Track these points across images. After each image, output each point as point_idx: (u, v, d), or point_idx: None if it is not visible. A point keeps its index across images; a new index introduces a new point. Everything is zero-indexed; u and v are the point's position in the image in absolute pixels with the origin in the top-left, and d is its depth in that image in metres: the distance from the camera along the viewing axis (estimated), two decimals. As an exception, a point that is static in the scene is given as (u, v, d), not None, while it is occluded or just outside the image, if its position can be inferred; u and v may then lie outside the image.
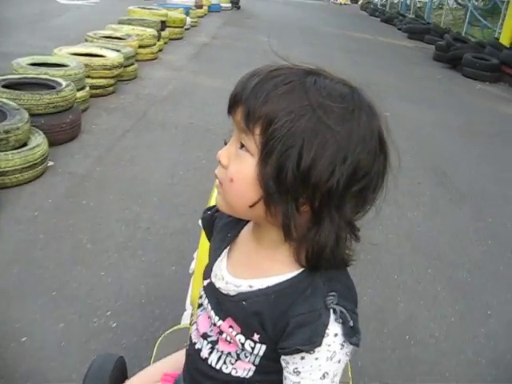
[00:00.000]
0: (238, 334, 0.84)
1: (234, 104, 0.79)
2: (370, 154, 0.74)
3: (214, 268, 0.91)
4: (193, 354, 0.94)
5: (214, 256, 0.93)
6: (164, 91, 6.19)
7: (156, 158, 4.20)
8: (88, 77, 5.35)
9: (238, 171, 0.76)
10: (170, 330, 1.55)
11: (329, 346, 0.75)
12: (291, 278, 0.79)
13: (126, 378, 1.26)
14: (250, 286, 0.82)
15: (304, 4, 28.58)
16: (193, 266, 1.63)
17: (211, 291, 0.91)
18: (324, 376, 0.76)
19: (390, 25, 21.27)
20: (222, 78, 7.21)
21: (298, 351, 0.76)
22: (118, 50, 6.33)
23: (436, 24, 17.69)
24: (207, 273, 0.94)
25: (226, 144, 0.81)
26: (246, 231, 0.90)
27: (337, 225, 0.74)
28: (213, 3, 16.45)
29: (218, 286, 0.88)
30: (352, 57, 11.04)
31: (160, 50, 8.49)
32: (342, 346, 0.76)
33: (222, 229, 0.95)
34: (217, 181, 0.82)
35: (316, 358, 0.75)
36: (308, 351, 0.75)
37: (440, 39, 15.94)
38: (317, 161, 0.70)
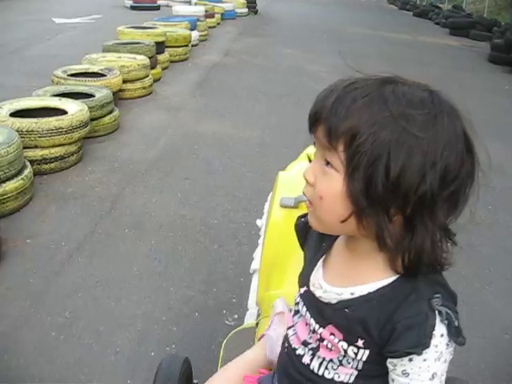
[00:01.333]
0: (340, 340, 0.84)
1: (314, 122, 0.78)
2: (457, 156, 0.73)
3: (312, 278, 0.91)
4: (294, 359, 0.93)
5: (309, 265, 0.94)
6: (151, 152, 4.43)
7: (113, 313, 2.44)
8: (31, 147, 3.66)
9: (326, 188, 0.77)
10: (235, 330, 1.55)
11: (436, 346, 0.75)
12: (391, 283, 0.79)
13: (192, 379, 1.40)
14: (352, 294, 0.82)
15: (322, 0, 26.68)
16: (253, 265, 1.70)
17: (309, 299, 0.91)
18: (433, 376, 0.76)
19: (425, 19, 19.21)
20: (234, 121, 5.46)
21: (408, 354, 0.76)
22: (90, 95, 4.63)
23: (481, 16, 15.54)
24: (303, 281, 0.94)
25: (310, 161, 0.82)
26: (340, 241, 0.90)
27: (431, 230, 0.74)
28: (226, 10, 14.69)
29: (317, 295, 0.88)
30: (392, 66, 9.07)
31: (157, 80, 6.77)
32: (448, 345, 0.76)
33: (318, 238, 0.94)
34: (307, 200, 0.82)
35: (424, 360, 0.75)
36: (418, 354, 0.75)
37: (488, 33, 13.96)
38: (405, 170, 0.70)
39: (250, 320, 1.66)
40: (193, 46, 9.68)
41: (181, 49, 8.25)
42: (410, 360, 0.76)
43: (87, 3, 16.83)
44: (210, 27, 12.15)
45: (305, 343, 0.91)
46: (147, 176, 3.93)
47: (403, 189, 0.71)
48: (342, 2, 27.41)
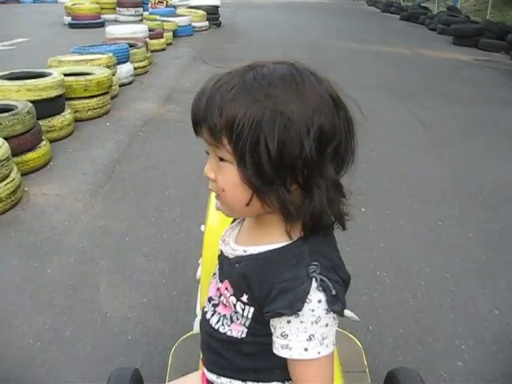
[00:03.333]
0: (231, 295, 0.91)
1: (196, 126, 0.84)
2: (328, 116, 0.78)
3: (224, 234, 0.99)
4: (204, 317, 1.01)
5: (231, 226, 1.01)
6: None
7: None
8: None
9: (225, 181, 0.82)
10: (183, 337, 1.57)
11: (313, 311, 0.79)
12: (280, 247, 0.85)
13: None
14: (244, 251, 0.90)
15: (295, 4, 24.04)
16: (199, 272, 1.65)
17: (220, 257, 0.98)
18: (310, 338, 0.80)
19: (415, 23, 16.68)
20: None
21: (280, 315, 0.81)
22: None
23: (489, 20, 13.00)
24: None
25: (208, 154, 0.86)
26: None
27: (325, 189, 0.79)
28: (181, 25, 11.90)
29: (221, 248, 0.97)
30: (408, 106, 6.47)
31: (42, 167, 3.98)
32: (327, 311, 0.80)
33: None
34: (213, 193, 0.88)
35: (301, 322, 0.80)
36: (289, 315, 0.80)
37: (500, 42, 11.43)
38: (283, 145, 0.76)
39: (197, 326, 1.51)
40: (123, 85, 6.90)
41: (95, 100, 5.45)
42: (288, 322, 0.80)
43: (24, 23, 14.08)
44: (155, 51, 9.38)
45: (210, 299, 0.99)
46: None
47: (287, 161, 0.76)
48: (314, 5, 24.82)
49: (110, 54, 6.51)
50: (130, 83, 7.15)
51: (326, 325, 0.80)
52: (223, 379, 0.96)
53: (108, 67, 6.20)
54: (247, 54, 9.70)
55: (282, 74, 0.79)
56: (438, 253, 3.11)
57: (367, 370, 1.57)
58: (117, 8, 15.52)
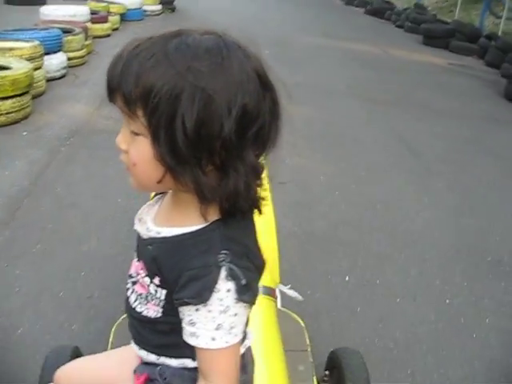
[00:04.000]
0: (145, 276, 0.87)
1: (110, 93, 0.77)
2: (252, 96, 0.73)
3: (142, 212, 0.93)
4: (126, 294, 0.96)
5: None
6: None
7: None
8: None
9: (137, 155, 0.77)
10: (124, 316, 1.48)
11: (221, 300, 0.77)
12: (194, 231, 0.81)
13: None
14: (158, 233, 0.85)
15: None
16: None
17: (137, 234, 0.93)
18: (218, 327, 0.78)
19: (380, 18, 15.96)
20: None
21: (187, 304, 0.78)
22: None
23: (458, 21, 12.36)
24: None
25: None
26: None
27: (243, 173, 0.75)
28: (130, 8, 10.66)
29: (137, 229, 0.91)
30: (388, 121, 5.65)
31: None
32: (238, 300, 0.78)
33: None
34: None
35: (209, 311, 0.78)
36: (195, 304, 0.77)
37: (470, 44, 10.86)
38: (202, 123, 0.70)
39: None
40: (53, 79, 5.75)
41: (9, 102, 4.32)
42: (197, 310, 0.78)
43: None
44: (98, 37, 8.19)
45: (130, 276, 0.94)
46: None
47: (205, 141, 0.71)
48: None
49: (36, 43, 5.31)
50: (62, 77, 5.99)
51: (235, 314, 0.78)
52: (142, 352, 0.96)
53: (32, 59, 5.06)
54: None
55: (208, 46, 0.73)
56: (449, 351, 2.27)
57: (309, 349, 1.60)
58: (61, -16, 14.05)
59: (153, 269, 0.84)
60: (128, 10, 10.51)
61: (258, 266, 0.82)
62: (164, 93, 0.70)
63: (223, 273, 0.76)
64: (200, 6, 14.83)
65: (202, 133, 0.70)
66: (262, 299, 1.31)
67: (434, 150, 4.90)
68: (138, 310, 0.90)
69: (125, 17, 10.26)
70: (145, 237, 0.87)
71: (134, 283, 0.92)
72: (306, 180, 4.01)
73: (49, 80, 5.62)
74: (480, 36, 11.19)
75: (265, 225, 1.60)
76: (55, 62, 5.83)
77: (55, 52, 5.92)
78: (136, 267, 0.91)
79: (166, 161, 0.73)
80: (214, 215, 0.79)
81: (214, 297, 0.76)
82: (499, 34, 10.89)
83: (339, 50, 9.67)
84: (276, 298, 1.61)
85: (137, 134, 0.75)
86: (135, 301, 0.92)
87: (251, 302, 0.80)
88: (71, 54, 6.41)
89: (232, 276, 0.76)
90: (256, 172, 0.78)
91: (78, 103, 5.17)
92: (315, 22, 14.16)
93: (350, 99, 6.23)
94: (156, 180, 0.77)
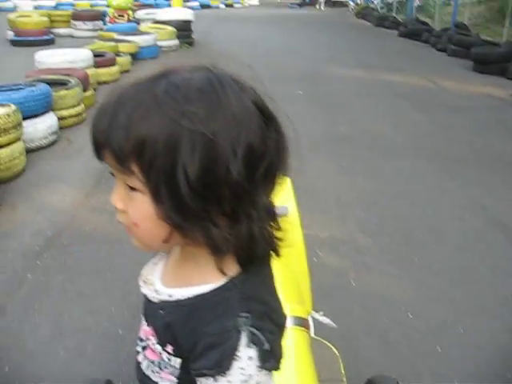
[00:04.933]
0: (156, 343, 0.78)
1: (99, 150, 0.68)
2: (256, 132, 0.66)
3: (143, 271, 0.83)
4: (136, 359, 0.86)
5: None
6: None
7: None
8: None
9: (138, 214, 0.68)
10: None
11: (242, 369, 0.67)
12: (209, 292, 0.71)
13: None
14: (170, 296, 0.75)
15: (279, 16, 22.01)
16: None
17: (144, 297, 0.83)
18: None
19: (416, 41, 14.64)
20: None
21: (204, 375, 0.69)
22: None
23: (511, 42, 10.93)
24: None
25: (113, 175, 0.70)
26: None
27: (257, 217, 0.67)
28: (143, 46, 9.58)
29: (144, 292, 0.80)
30: (468, 192, 4.31)
31: None
32: (261, 368, 0.68)
33: None
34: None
35: (229, 382, 0.68)
36: (214, 375, 0.68)
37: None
38: (206, 171, 0.63)
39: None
40: (40, 148, 4.60)
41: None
42: (216, 381, 0.69)
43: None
44: (105, 83, 7.08)
45: (140, 339, 0.85)
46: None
47: (212, 190, 0.64)
48: (299, 17, 22.79)
49: (12, 108, 4.11)
50: (53, 144, 4.84)
51: (258, 383, 0.68)
52: None
53: (4, 131, 3.89)
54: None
55: (199, 84, 0.65)
56: None
57: (344, 379, 1.56)
58: (72, 21, 13.19)
59: (166, 336, 0.74)
60: (141, 47, 9.43)
61: (281, 325, 0.73)
62: (160, 144, 0.62)
63: (244, 338, 0.66)
64: (220, 37, 13.79)
65: (208, 182, 0.63)
66: (294, 330, 1.28)
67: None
68: (154, 378, 0.79)
69: (138, 55, 9.18)
70: (155, 300, 0.77)
71: (144, 348, 0.80)
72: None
73: (32, 150, 4.48)
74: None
75: (295, 251, 1.50)
76: (41, 126, 4.67)
77: (43, 113, 4.77)
78: (146, 332, 0.80)
79: (171, 218, 0.65)
80: (230, 266, 0.70)
81: (235, 365, 0.66)
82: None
83: (381, 85, 8.36)
84: (309, 328, 1.42)
85: (134, 189, 0.67)
86: (147, 368, 0.80)
87: (275, 369, 0.70)
88: (65, 113, 5.29)
89: (254, 341, 0.66)
90: (270, 214, 0.70)
91: (63, 185, 3.95)
92: (347, 48, 12.93)
93: (413, 159, 4.89)
94: (161, 239, 0.69)
